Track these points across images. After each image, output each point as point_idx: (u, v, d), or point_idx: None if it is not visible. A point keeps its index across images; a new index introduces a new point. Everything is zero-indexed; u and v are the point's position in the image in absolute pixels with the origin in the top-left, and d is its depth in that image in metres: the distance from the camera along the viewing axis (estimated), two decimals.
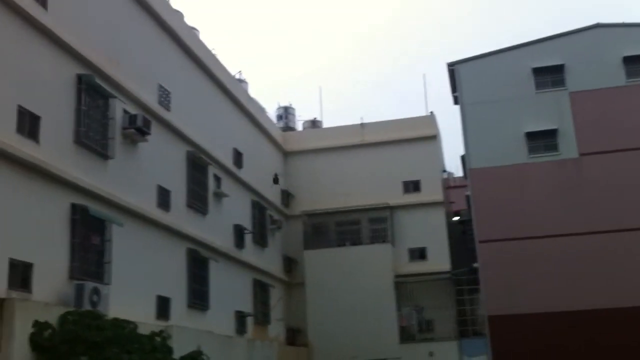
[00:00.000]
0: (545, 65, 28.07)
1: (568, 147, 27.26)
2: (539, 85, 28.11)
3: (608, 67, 27.62)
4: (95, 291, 14.90)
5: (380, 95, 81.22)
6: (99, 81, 16.46)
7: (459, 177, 38.07)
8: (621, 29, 28.23)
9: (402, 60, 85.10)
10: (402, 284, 28.11)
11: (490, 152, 27.84)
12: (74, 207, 15.27)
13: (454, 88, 29.58)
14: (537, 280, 25.89)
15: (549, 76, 28.10)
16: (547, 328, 25.30)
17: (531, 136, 27.57)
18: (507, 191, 27.26)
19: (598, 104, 27.34)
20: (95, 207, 15.83)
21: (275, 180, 28.58)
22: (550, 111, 27.69)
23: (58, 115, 15.15)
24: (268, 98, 65.36)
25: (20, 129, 13.89)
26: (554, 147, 27.41)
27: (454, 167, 39.33)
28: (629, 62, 27.42)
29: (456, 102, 29.32)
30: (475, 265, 27.14)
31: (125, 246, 16.92)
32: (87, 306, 14.40)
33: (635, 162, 26.37)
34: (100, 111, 16.69)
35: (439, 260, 28.25)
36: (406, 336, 27.61)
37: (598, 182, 26.50)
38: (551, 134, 27.45)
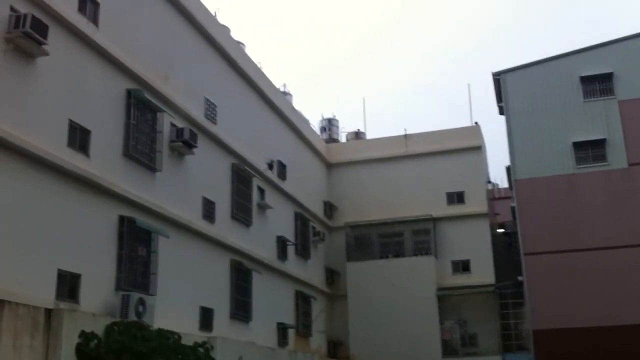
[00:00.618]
0: (593, 74, 27.56)
1: (617, 157, 26.69)
2: (587, 94, 27.61)
3: None
4: (141, 302, 15.12)
5: (425, 105, 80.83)
6: (147, 96, 16.78)
7: (504, 188, 37.61)
8: None
9: (447, 68, 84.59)
10: (445, 297, 27.84)
11: (537, 163, 27.42)
12: (121, 218, 15.56)
13: (499, 98, 29.24)
14: (585, 294, 25.35)
15: (598, 85, 27.59)
16: (594, 343, 24.71)
17: (579, 146, 27.07)
18: (554, 202, 26.80)
19: None
20: (142, 219, 16.10)
21: (270, 167, 28.60)
22: (598, 120, 27.17)
23: (108, 129, 15.49)
24: (312, 110, 65.58)
25: (71, 143, 14.25)
26: (602, 157, 26.87)
27: (499, 178, 38.81)
28: None
29: (501, 112, 28.99)
30: (520, 278, 26.70)
31: (170, 257, 17.15)
32: (132, 317, 14.62)
33: None
34: (148, 125, 17.00)
35: (483, 273, 27.89)
36: (449, 350, 27.30)
37: None
38: (599, 144, 26.92)
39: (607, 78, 27.47)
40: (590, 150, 27.02)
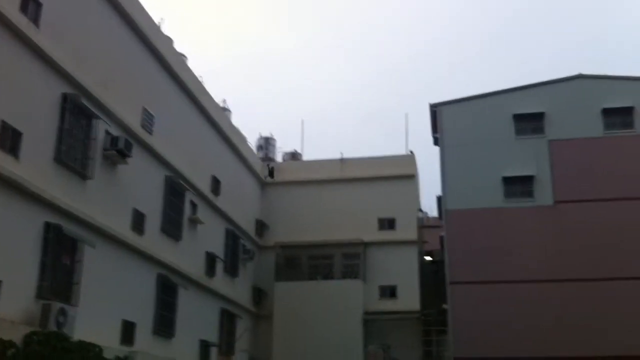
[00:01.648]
0: (526, 112, 28.46)
1: (544, 194, 27.55)
2: (519, 132, 28.47)
3: (587, 117, 28.09)
4: (62, 312, 14.66)
5: (363, 132, 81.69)
6: (84, 101, 16.39)
7: (434, 217, 38.24)
8: (602, 81, 28.79)
9: (385, 97, 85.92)
10: (371, 321, 28.00)
11: (467, 195, 28.03)
12: (47, 225, 15.08)
13: (434, 129, 29.84)
14: (506, 325, 25.94)
15: (530, 123, 28.49)
16: None
17: (508, 181, 27.84)
18: (482, 234, 27.43)
19: (576, 154, 27.73)
20: (69, 227, 15.64)
21: (271, 174, 28.94)
22: (528, 157, 28.03)
23: (40, 132, 15.06)
24: (250, 127, 65.27)
25: (1, 144, 13.73)
26: (529, 194, 27.70)
27: (429, 206, 39.49)
28: (608, 113, 27.89)
29: (436, 142, 29.57)
30: (444, 306, 27.14)
31: (95, 268, 16.70)
32: (52, 327, 14.16)
33: (610, 212, 26.69)
34: (82, 131, 16.59)
35: (409, 299, 28.21)
36: None
37: (572, 231, 26.77)
38: (528, 180, 27.75)
39: (539, 117, 28.41)
40: (519, 185, 27.82)
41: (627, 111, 27.88)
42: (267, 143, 34.45)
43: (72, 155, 16.09)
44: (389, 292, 28.68)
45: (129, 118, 18.72)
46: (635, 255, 26.02)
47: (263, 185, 30.78)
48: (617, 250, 26.17)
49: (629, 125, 27.83)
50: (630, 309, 25.44)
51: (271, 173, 29.32)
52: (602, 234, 26.51)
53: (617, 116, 27.92)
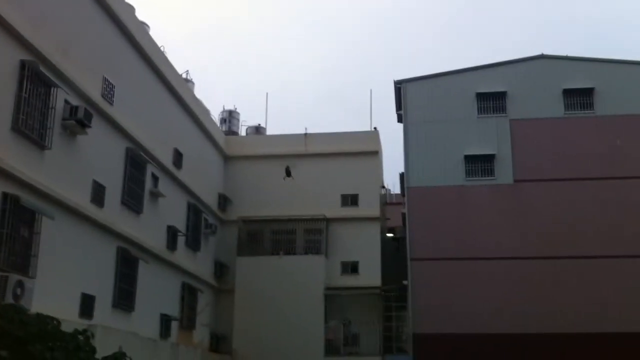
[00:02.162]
0: (488, 91, 28.75)
1: (504, 173, 27.95)
2: (482, 110, 28.77)
3: (548, 97, 28.51)
4: (20, 284, 14.35)
5: (328, 107, 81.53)
6: (43, 69, 15.94)
7: (396, 194, 38.52)
8: (563, 62, 29.18)
9: (352, 72, 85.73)
10: (332, 297, 28.14)
11: (429, 172, 28.29)
12: (5, 196, 14.69)
13: (398, 106, 29.93)
14: (465, 302, 26.39)
15: (492, 102, 28.79)
16: (471, 349, 25.78)
17: (470, 159, 28.15)
18: (443, 211, 27.75)
19: (536, 133, 28.16)
20: (27, 198, 15.29)
21: (288, 173, 28.47)
22: (490, 136, 28.35)
23: None
24: (214, 101, 64.61)
25: None
26: (490, 172, 28.05)
27: (392, 183, 39.70)
28: (568, 94, 28.36)
29: (400, 119, 29.67)
30: (405, 282, 27.44)
31: (54, 240, 16.38)
32: (9, 299, 13.85)
33: (568, 191, 27.22)
34: (41, 100, 16.12)
35: (371, 275, 28.38)
36: (331, 349, 27.58)
37: (531, 209, 27.26)
38: (489, 159, 28.09)
39: (500, 96, 28.72)
40: (479, 164, 28.16)
41: (587, 92, 28.34)
42: (230, 116, 34.09)
43: (30, 124, 15.65)
44: (351, 267, 28.83)
45: (89, 87, 18.29)
46: (592, 233, 26.64)
47: (226, 159, 30.53)
48: (575, 228, 26.77)
49: (589, 106, 28.31)
50: (588, 286, 26.07)
51: (288, 172, 28.82)
52: (560, 212, 27.06)
53: (577, 97, 28.40)
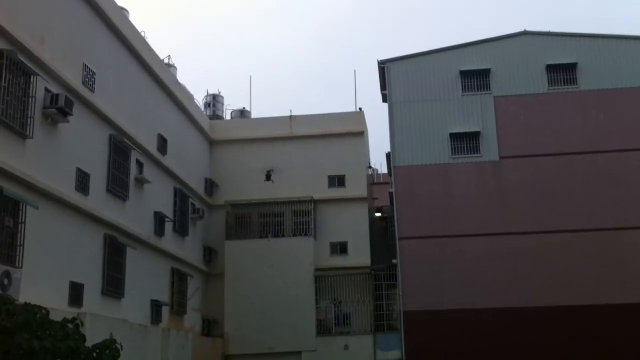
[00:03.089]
0: (472, 69, 28.75)
1: (489, 150, 28.04)
2: (466, 88, 28.78)
3: (531, 73, 28.54)
4: (6, 274, 14.36)
5: (312, 88, 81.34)
6: (21, 57, 15.78)
7: (383, 174, 38.62)
8: (546, 37, 29.18)
9: (335, 53, 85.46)
10: (322, 278, 28.28)
11: (415, 151, 28.34)
12: None
13: (383, 85, 29.91)
14: (454, 279, 26.59)
15: (476, 79, 28.80)
16: (460, 325, 26.01)
17: (455, 137, 28.21)
18: (430, 190, 27.84)
19: (520, 110, 28.23)
20: (10, 188, 15.20)
21: (268, 177, 28.60)
22: (474, 114, 28.41)
23: None
24: (197, 85, 64.30)
25: None
26: (476, 149, 28.13)
27: (379, 163, 39.83)
28: (551, 70, 28.40)
29: (384, 99, 29.65)
30: (394, 261, 27.59)
31: (40, 229, 16.33)
32: None
33: (553, 167, 27.39)
34: (20, 89, 15.98)
35: (360, 255, 28.53)
36: (323, 329, 27.80)
37: (517, 185, 27.41)
38: (474, 136, 28.16)
39: (484, 74, 28.73)
40: (465, 141, 28.23)
41: (571, 67, 28.40)
42: (214, 100, 33.94)
43: (11, 114, 15.52)
44: (340, 248, 28.94)
45: (69, 75, 18.14)
46: (577, 207, 26.83)
47: (211, 143, 30.45)
48: (560, 203, 26.95)
49: (572, 81, 28.38)
50: (573, 259, 26.31)
51: (268, 176, 28.92)
52: (545, 187, 27.23)
53: (560, 72, 28.47)
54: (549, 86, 28.37)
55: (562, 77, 28.41)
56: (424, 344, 26.07)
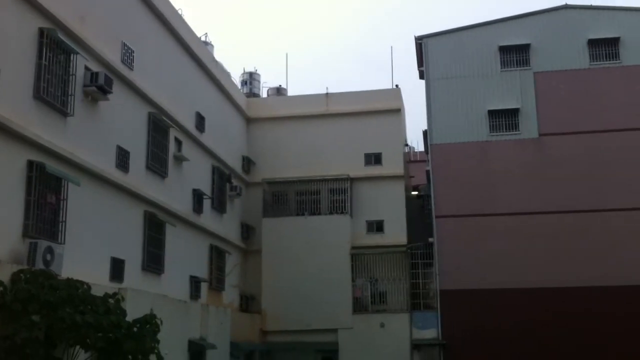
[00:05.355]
0: (511, 44, 28.28)
1: (529, 127, 27.64)
2: (505, 64, 28.33)
3: (573, 48, 27.96)
4: (49, 250, 14.65)
5: (349, 66, 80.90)
6: (61, 36, 15.97)
7: (420, 152, 38.37)
8: (588, 11, 28.51)
9: (371, 29, 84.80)
10: (358, 256, 28.31)
11: (453, 129, 28.07)
12: (30, 163, 14.89)
13: (420, 62, 29.60)
14: (491, 258, 26.40)
15: (515, 55, 28.34)
16: (496, 304, 25.87)
17: (493, 114, 27.85)
18: (467, 168, 27.60)
19: (561, 86, 27.71)
20: (52, 165, 15.48)
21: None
22: (513, 90, 27.99)
23: (18, 69, 14.68)
24: (234, 63, 64.48)
25: None
26: (515, 126, 27.75)
27: (415, 141, 39.53)
28: (593, 45, 27.80)
29: (422, 76, 29.36)
30: (430, 240, 27.48)
31: (81, 206, 16.62)
32: (40, 265, 14.17)
33: (594, 144, 26.90)
34: (61, 67, 16.20)
35: (396, 233, 28.45)
36: (359, 307, 27.89)
37: (557, 163, 26.99)
38: (513, 113, 27.78)
39: (524, 49, 28.23)
40: (504, 118, 27.87)
41: (613, 42, 27.75)
42: (251, 78, 33.94)
43: (52, 92, 15.76)
44: (376, 226, 28.90)
45: (109, 53, 18.32)
46: (618, 186, 26.34)
47: (248, 121, 30.55)
48: (602, 181, 26.51)
49: (615, 56, 27.75)
50: (614, 239, 25.89)
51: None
52: (586, 166, 26.79)
53: (602, 47, 27.84)
54: (590, 61, 27.78)
55: (604, 52, 27.78)
56: (460, 323, 26.00)
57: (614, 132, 26.90)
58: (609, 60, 27.69)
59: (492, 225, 26.80)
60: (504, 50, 28.30)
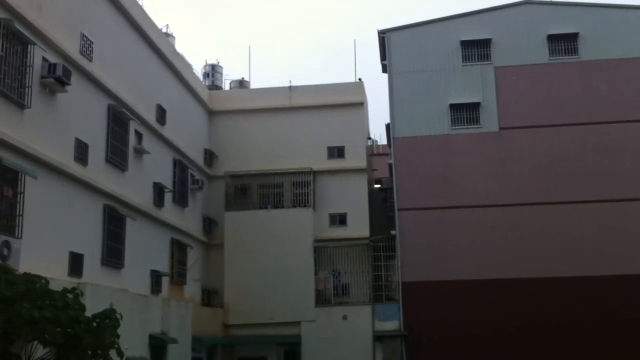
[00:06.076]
0: (473, 39, 28.54)
1: (489, 121, 27.96)
2: (466, 58, 28.59)
3: (533, 44, 28.35)
4: (6, 244, 14.38)
5: (311, 59, 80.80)
6: (18, 26, 15.62)
7: (383, 145, 38.53)
8: (548, 7, 28.97)
9: (334, 23, 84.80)
10: (321, 249, 28.36)
11: (415, 122, 28.25)
12: None
13: (383, 56, 29.69)
14: (453, 250, 26.68)
15: (476, 50, 28.62)
16: (458, 295, 26.16)
17: (455, 108, 28.10)
18: (429, 161, 27.83)
19: (521, 80, 28.10)
20: (8, 158, 15.15)
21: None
22: (475, 84, 28.27)
23: None
24: (196, 56, 63.89)
25: None
26: (476, 120, 28.05)
27: (378, 134, 39.68)
28: (552, 40, 28.21)
29: (385, 70, 29.46)
30: (393, 232, 27.66)
31: (39, 199, 16.32)
32: None
33: (553, 138, 27.32)
34: (18, 58, 15.84)
35: (359, 226, 28.56)
36: (322, 300, 27.94)
37: (517, 156, 27.38)
38: (474, 107, 28.06)
39: (485, 44, 28.53)
40: (465, 112, 28.15)
41: (572, 37, 28.20)
42: (213, 71, 33.70)
43: (8, 83, 15.42)
44: (339, 219, 28.97)
45: (67, 44, 17.97)
46: (577, 179, 26.83)
47: (210, 114, 30.31)
48: (560, 174, 26.94)
49: (574, 51, 28.19)
50: (574, 231, 26.37)
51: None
52: (545, 158, 27.21)
53: (562, 42, 28.26)
54: (550, 56, 28.20)
55: (563, 47, 28.21)
56: (421, 314, 26.25)
57: (572, 125, 27.37)
58: (568, 55, 28.14)
59: (454, 218, 27.08)
60: (465, 44, 28.57)
